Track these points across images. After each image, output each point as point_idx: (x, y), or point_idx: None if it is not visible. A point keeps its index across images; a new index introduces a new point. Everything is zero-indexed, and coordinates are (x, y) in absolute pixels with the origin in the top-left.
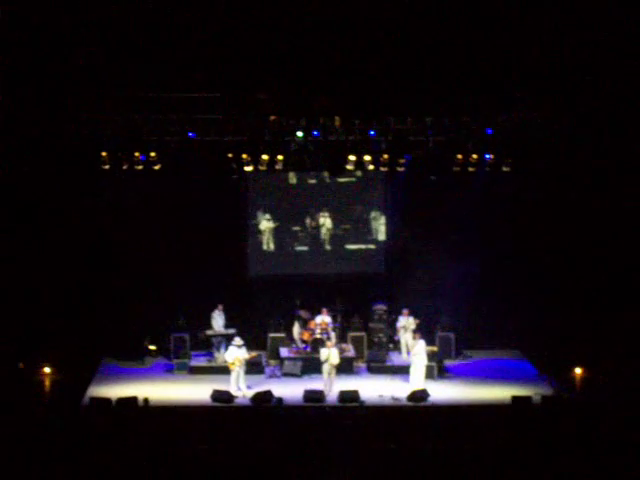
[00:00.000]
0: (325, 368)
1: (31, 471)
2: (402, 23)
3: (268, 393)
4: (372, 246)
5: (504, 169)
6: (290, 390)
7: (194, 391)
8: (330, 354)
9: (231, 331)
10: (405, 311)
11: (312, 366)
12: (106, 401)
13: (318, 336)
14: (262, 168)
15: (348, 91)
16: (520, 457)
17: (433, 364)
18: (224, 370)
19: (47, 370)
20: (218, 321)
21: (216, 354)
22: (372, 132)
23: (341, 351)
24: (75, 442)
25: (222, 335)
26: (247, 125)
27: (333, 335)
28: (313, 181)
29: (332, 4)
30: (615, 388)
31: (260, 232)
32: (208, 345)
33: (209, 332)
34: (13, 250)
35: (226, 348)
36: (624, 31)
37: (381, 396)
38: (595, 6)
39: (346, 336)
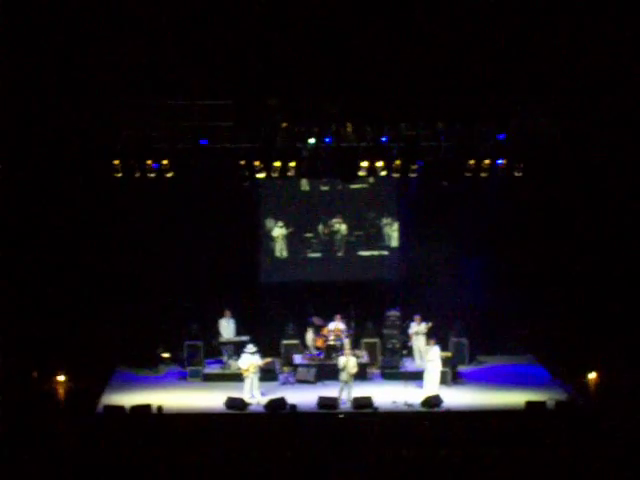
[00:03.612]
0: (342, 376)
1: (45, 479)
2: (413, 29)
3: (282, 400)
4: (385, 252)
5: (516, 174)
6: (304, 397)
7: (208, 398)
8: (348, 362)
9: (244, 338)
10: (417, 317)
11: (326, 373)
12: (120, 409)
13: (332, 343)
14: (274, 175)
15: (360, 97)
16: (534, 463)
17: (447, 370)
18: (238, 377)
19: (61, 378)
20: (227, 328)
21: (229, 361)
22: (384, 138)
23: (355, 357)
24: (89, 450)
25: (235, 342)
26: (259, 132)
27: (347, 342)
28: (325, 188)
29: (344, 11)
30: (630, 393)
31: (273, 239)
32: (220, 352)
33: (223, 339)
34: (26, 258)
35: (238, 355)
36: (637, 37)
37: (395, 402)
38: (609, 12)
39: (360, 342)
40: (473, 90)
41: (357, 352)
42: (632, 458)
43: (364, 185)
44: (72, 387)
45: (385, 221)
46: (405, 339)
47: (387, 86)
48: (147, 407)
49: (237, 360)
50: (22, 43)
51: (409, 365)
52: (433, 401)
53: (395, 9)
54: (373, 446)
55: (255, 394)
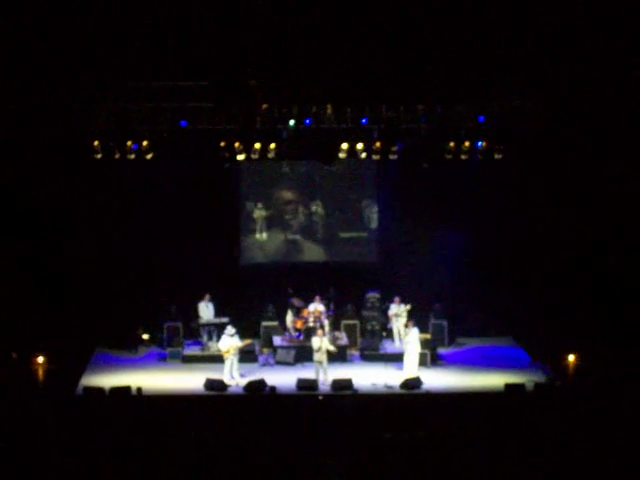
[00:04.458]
0: (316, 357)
1: (25, 461)
2: (393, 11)
3: (261, 382)
4: (364, 234)
5: (496, 156)
6: (283, 378)
7: (187, 380)
8: (322, 343)
9: (224, 319)
10: (397, 299)
11: (305, 354)
12: (99, 390)
13: (311, 324)
14: (254, 157)
15: (340, 79)
16: (513, 445)
17: (426, 352)
18: (217, 359)
19: (40, 360)
20: (206, 311)
21: (209, 343)
22: (364, 120)
23: (334, 339)
24: (68, 432)
25: (215, 324)
26: (239, 113)
27: (326, 323)
28: (305, 169)
29: None
30: (608, 375)
31: (253, 220)
32: (200, 334)
33: (202, 321)
34: (5, 240)
35: (218, 337)
36: (617, 17)
37: (374, 384)
38: None
39: (339, 324)
40: (453, 72)
41: (336, 334)
42: (611, 440)
43: (344, 167)
44: (52, 368)
45: (365, 203)
46: (385, 321)
47: (367, 68)
48: (127, 388)
49: (216, 342)
50: None
51: (389, 347)
52: (413, 383)
53: None
54: (352, 428)
55: (235, 376)
